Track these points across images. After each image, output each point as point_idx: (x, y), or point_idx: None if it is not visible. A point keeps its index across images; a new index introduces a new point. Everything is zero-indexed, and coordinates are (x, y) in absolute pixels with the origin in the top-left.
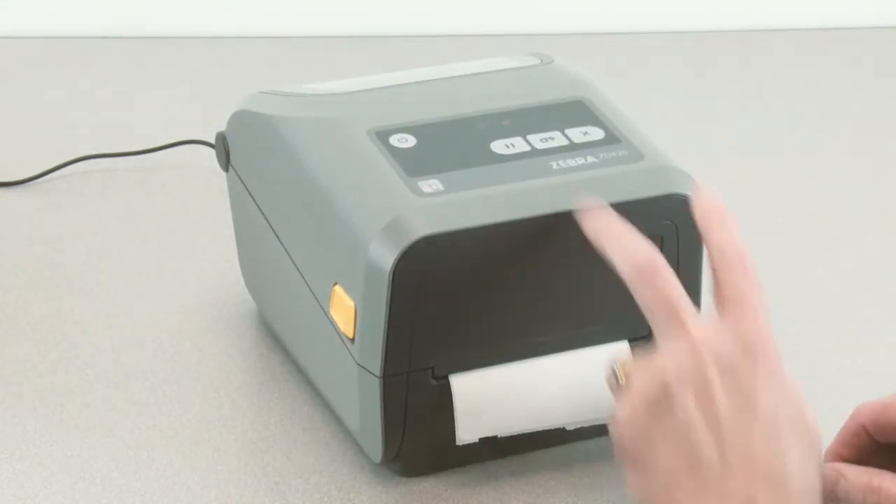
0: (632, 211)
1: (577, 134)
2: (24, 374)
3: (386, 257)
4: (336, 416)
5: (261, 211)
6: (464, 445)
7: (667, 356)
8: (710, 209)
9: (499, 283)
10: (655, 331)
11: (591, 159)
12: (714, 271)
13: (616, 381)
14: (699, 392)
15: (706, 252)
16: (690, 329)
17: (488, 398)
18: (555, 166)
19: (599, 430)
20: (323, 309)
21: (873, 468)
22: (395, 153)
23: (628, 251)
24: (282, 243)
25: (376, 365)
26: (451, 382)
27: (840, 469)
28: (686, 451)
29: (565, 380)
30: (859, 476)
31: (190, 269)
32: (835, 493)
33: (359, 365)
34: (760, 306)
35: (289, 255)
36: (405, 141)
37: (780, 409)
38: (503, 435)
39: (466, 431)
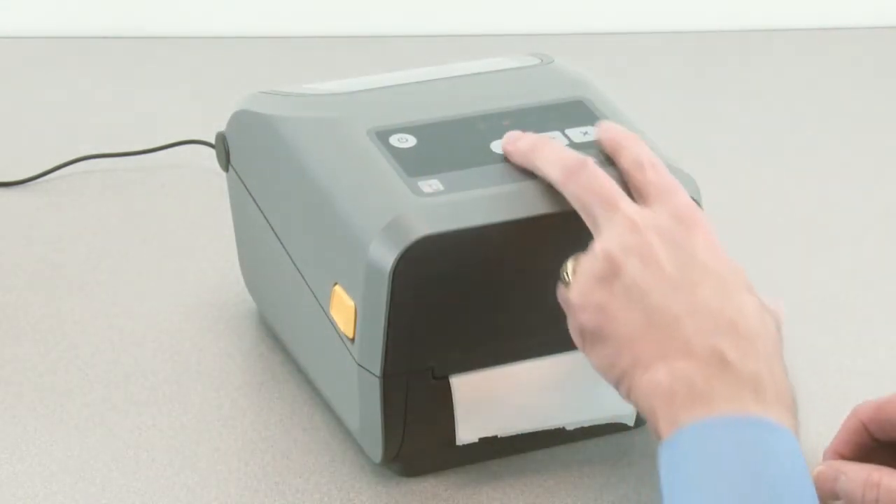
0: None
1: (577, 134)
2: (24, 374)
3: (386, 257)
4: (336, 416)
5: (261, 211)
6: (464, 445)
7: (607, 237)
8: (614, 132)
9: (499, 283)
10: (592, 225)
11: None
12: (631, 177)
13: (566, 284)
14: (644, 257)
15: (619, 166)
16: (625, 209)
17: (488, 398)
18: None
19: (599, 430)
20: (323, 309)
21: (872, 465)
22: (395, 153)
23: (556, 158)
24: (282, 243)
25: (376, 365)
26: (451, 382)
27: (839, 466)
28: (643, 313)
29: (565, 380)
30: (858, 472)
31: (190, 269)
32: (835, 491)
33: (359, 365)
34: (684, 191)
35: (289, 255)
36: (405, 141)
37: (724, 265)
38: (503, 435)
39: (466, 431)
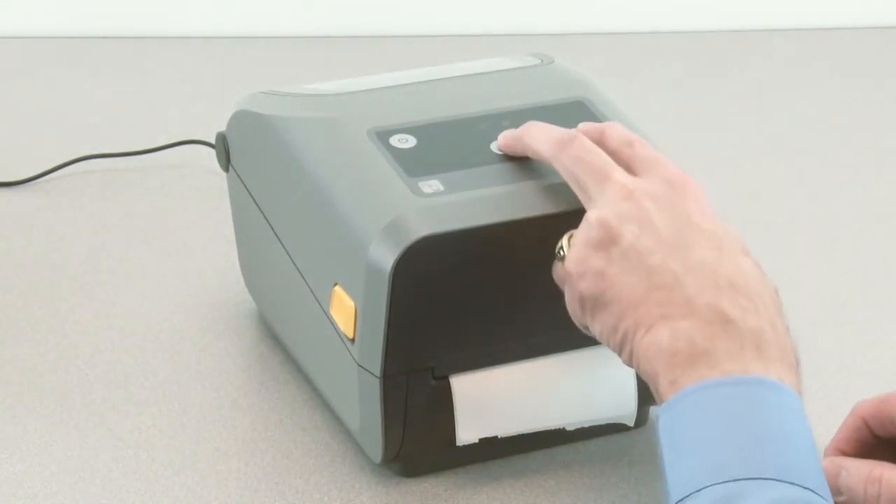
0: None
1: None
2: (24, 374)
3: (386, 257)
4: (336, 416)
5: (261, 211)
6: (464, 445)
7: (601, 206)
8: (594, 123)
9: (499, 283)
10: (585, 197)
11: None
12: (619, 154)
13: (561, 259)
14: (640, 222)
15: (606, 149)
16: (618, 178)
17: (488, 398)
18: None
19: (599, 430)
20: (323, 309)
21: (874, 461)
22: (395, 153)
23: (546, 135)
24: (282, 243)
25: (376, 365)
26: (451, 382)
27: (840, 462)
28: (643, 276)
29: (565, 380)
30: (860, 468)
31: (190, 269)
32: (836, 486)
33: (359, 365)
34: (671, 162)
35: (289, 255)
36: (405, 141)
37: (719, 228)
38: (503, 435)
39: (466, 431)
